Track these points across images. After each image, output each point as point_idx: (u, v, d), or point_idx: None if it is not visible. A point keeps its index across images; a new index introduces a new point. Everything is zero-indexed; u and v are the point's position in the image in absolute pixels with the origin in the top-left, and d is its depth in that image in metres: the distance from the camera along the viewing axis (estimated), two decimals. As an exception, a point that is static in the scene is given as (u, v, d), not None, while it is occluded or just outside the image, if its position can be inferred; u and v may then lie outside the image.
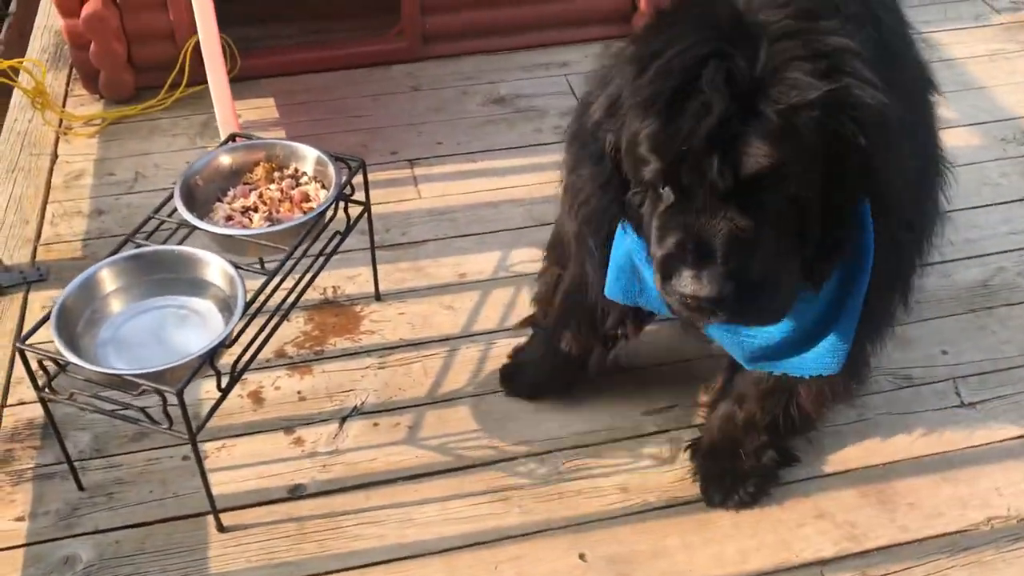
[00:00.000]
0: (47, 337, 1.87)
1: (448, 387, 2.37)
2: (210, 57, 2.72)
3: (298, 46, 3.55)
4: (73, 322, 1.95)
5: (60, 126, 3.20)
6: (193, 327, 2.00)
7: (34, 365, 1.88)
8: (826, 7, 1.47)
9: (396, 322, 2.54)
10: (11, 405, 2.31)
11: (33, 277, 2.63)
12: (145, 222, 2.15)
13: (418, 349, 2.47)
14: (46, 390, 1.90)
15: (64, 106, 3.31)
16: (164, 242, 2.14)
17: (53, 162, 3.08)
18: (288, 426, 2.28)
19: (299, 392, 2.36)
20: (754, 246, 1.43)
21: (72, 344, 1.88)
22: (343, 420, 2.29)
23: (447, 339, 2.50)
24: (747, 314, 1.53)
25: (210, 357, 1.85)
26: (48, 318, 1.91)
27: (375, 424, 2.29)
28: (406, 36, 3.51)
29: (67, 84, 3.43)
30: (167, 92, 3.30)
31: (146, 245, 2.10)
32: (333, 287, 2.62)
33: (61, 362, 1.85)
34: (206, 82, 2.98)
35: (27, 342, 1.87)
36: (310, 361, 2.44)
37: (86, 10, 3.10)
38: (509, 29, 3.57)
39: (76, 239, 2.78)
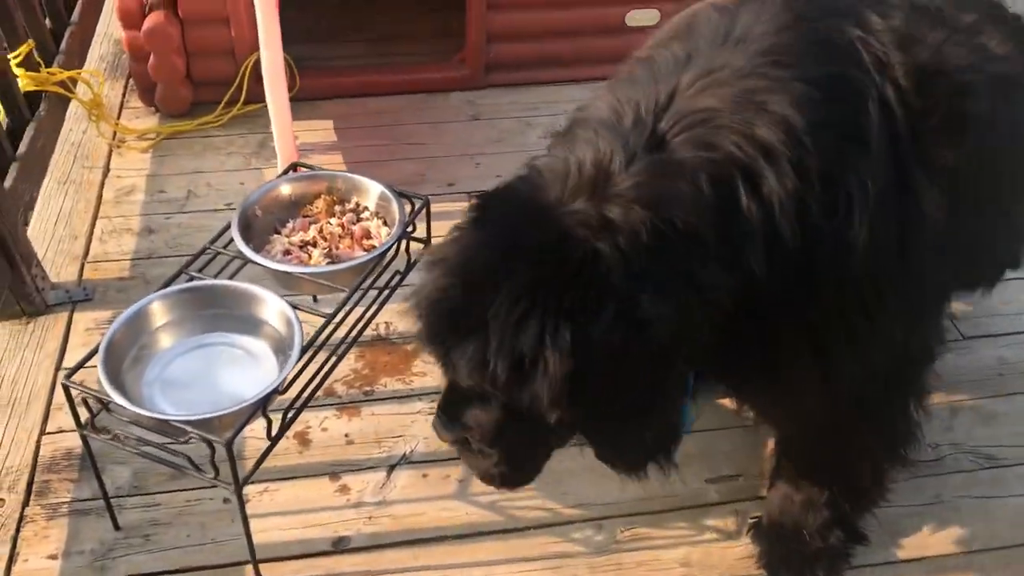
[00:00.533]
0: (92, 366, 1.79)
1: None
2: (272, 78, 2.64)
3: (358, 68, 3.48)
4: (120, 357, 1.86)
5: (114, 139, 3.14)
6: (245, 368, 1.91)
7: (77, 401, 1.80)
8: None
9: (449, 365, 2.43)
10: (51, 432, 2.23)
11: (79, 297, 2.56)
12: (200, 253, 2.06)
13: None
14: (88, 428, 1.81)
15: (119, 117, 3.25)
16: (218, 273, 2.06)
17: (105, 176, 3.01)
18: (334, 472, 2.18)
19: (347, 435, 2.26)
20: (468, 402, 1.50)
21: (118, 381, 1.79)
22: (391, 469, 2.19)
23: (502, 387, 2.39)
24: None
25: (263, 405, 1.75)
26: (95, 351, 1.82)
27: (424, 475, 2.18)
28: (469, 63, 3.42)
29: (123, 95, 3.38)
30: (224, 109, 3.24)
31: (199, 277, 2.01)
32: (385, 323, 2.52)
33: (105, 401, 1.76)
34: (264, 101, 2.91)
35: (71, 376, 1.79)
36: (359, 402, 2.34)
37: (148, 23, 3.04)
38: (574, 61, 3.47)
39: (124, 258, 2.71)
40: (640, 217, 1.33)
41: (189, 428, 1.69)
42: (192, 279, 2.02)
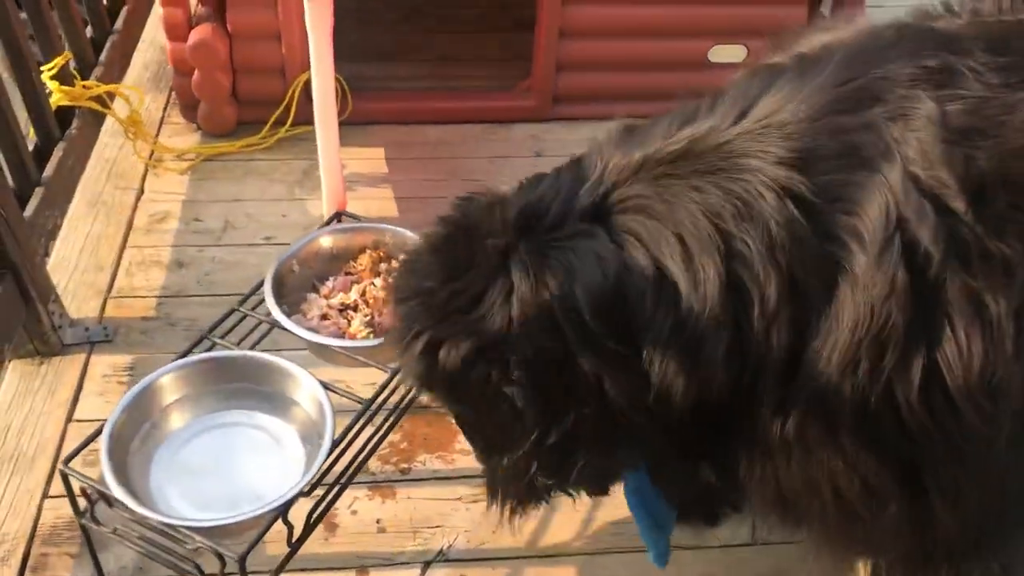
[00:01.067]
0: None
1: (552, 537, 2.00)
2: (323, 112, 2.40)
3: (415, 92, 3.24)
4: (128, 437, 1.63)
5: (151, 157, 2.93)
6: (268, 455, 1.67)
7: (76, 491, 1.57)
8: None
9: (497, 443, 2.17)
10: (54, 496, 2.01)
11: (98, 337, 2.35)
12: (227, 315, 1.83)
13: None
14: (87, 517, 1.59)
15: (159, 133, 3.04)
16: (244, 339, 1.82)
17: (139, 199, 2.80)
18: (362, 565, 1.93)
19: (379, 521, 2.01)
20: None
21: (123, 467, 1.57)
22: (426, 566, 1.94)
23: (555, 473, 2.13)
24: None
25: (284, 511, 1.51)
26: (99, 433, 1.59)
27: (463, 576, 1.93)
28: (534, 93, 3.16)
29: (165, 109, 3.17)
30: (270, 130, 3.01)
31: (223, 344, 1.78)
32: (429, 390, 2.27)
33: (107, 495, 1.53)
34: (312, 123, 2.68)
35: (70, 462, 1.56)
36: (395, 481, 2.09)
37: (194, 36, 2.82)
38: (650, 96, 3.17)
39: (151, 294, 2.49)
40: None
41: (198, 537, 1.45)
42: (214, 345, 1.79)
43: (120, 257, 2.60)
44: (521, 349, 1.19)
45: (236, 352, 1.75)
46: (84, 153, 2.61)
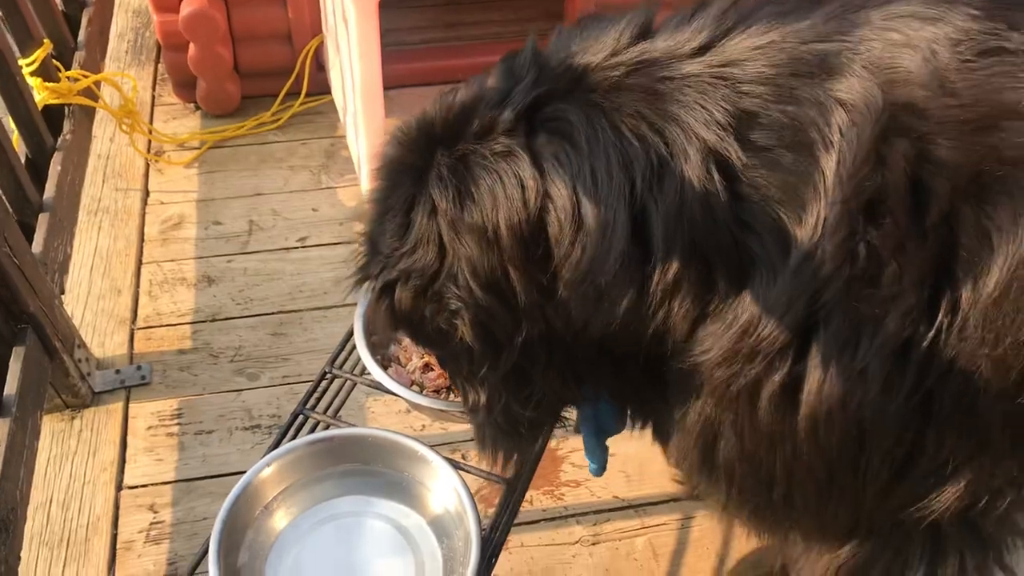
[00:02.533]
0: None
1: (687, 578, 1.81)
2: (369, 106, 2.07)
3: (446, 49, 2.86)
4: (233, 549, 1.37)
5: (149, 150, 2.57)
6: (396, 554, 1.42)
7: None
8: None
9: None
10: (120, 586, 1.75)
11: (133, 380, 2.05)
12: (320, 380, 1.55)
13: (640, 515, 1.89)
14: (198, 653, 1.34)
15: (152, 117, 2.67)
16: (328, 408, 1.55)
17: (145, 201, 2.46)
18: (486, 635, 1.72)
19: (494, 578, 1.79)
20: None
21: (235, 589, 1.31)
22: (559, 629, 1.74)
23: (675, 500, 1.92)
24: None
25: (446, 638, 1.27)
26: (205, 552, 1.33)
27: (602, 638, 1.73)
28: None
29: (153, 87, 2.79)
30: (280, 106, 2.66)
31: (311, 414, 1.50)
32: (520, 413, 2.02)
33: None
34: (327, 93, 2.36)
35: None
36: (503, 528, 1.87)
37: (187, 6, 2.44)
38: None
39: (182, 320, 2.18)
40: None
41: None
42: (305, 417, 1.52)
43: (138, 276, 2.28)
44: (456, 277, 1.12)
45: (351, 431, 1.47)
46: (81, 160, 2.24)
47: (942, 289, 0.97)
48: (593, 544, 1.85)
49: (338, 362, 1.58)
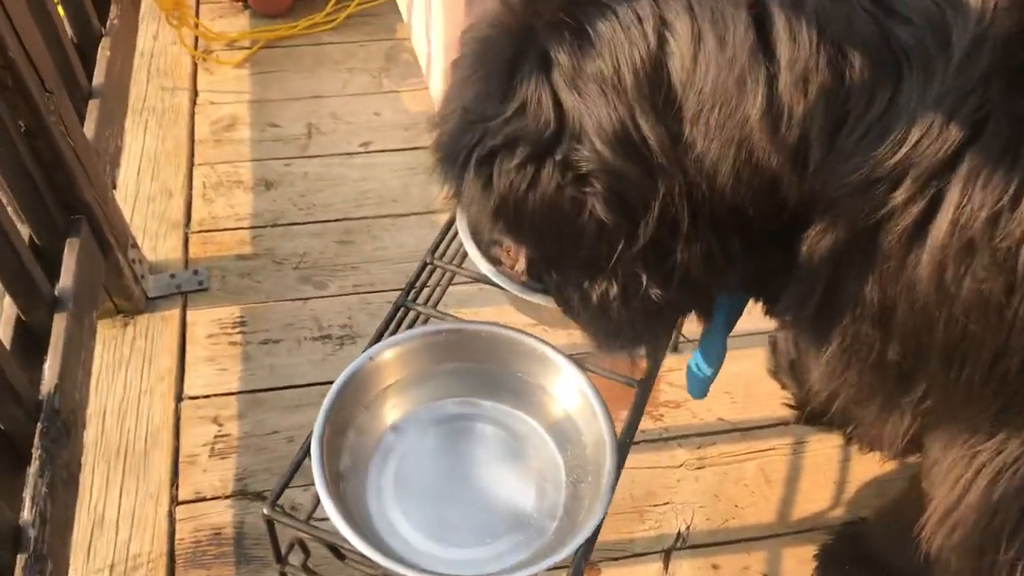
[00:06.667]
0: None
1: (804, 508, 1.65)
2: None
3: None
4: (335, 453, 1.21)
5: (196, 47, 2.38)
6: (514, 464, 1.26)
7: (283, 540, 1.16)
8: None
9: (707, 390, 1.79)
10: (187, 502, 1.59)
11: (191, 286, 1.88)
12: (421, 271, 1.38)
13: (747, 438, 1.74)
14: (297, 567, 1.18)
15: (197, 16, 2.48)
16: (427, 300, 1.38)
17: (193, 102, 2.27)
18: (591, 561, 1.57)
19: (592, 501, 1.64)
20: None
21: (338, 494, 1.15)
22: (666, 555, 1.58)
23: (784, 424, 1.76)
24: None
25: (579, 566, 1.11)
26: (301, 462, 1.16)
27: (715, 567, 1.57)
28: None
29: (198, -16, 2.59)
30: (336, 4, 2.46)
31: (412, 306, 1.34)
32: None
33: (339, 547, 1.12)
34: None
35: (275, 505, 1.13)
36: (598, 449, 1.71)
37: None
38: None
39: (240, 225, 2.01)
40: None
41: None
42: (407, 309, 1.35)
43: (191, 179, 2.10)
44: (579, 139, 0.95)
45: (460, 324, 1.30)
46: (129, 49, 2.06)
47: None
48: (699, 468, 1.69)
49: (438, 252, 1.41)
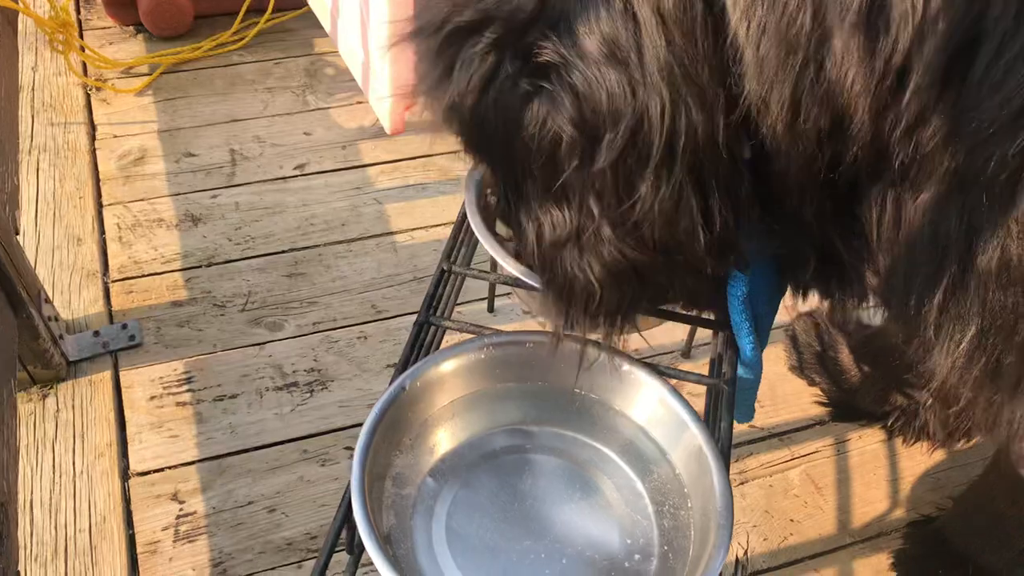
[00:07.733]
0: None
1: (864, 511, 1.48)
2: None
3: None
4: (376, 511, 0.95)
5: (85, 74, 2.08)
6: (587, 498, 1.03)
7: None
8: None
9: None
10: None
11: (120, 342, 1.58)
12: (440, 280, 1.14)
13: (786, 443, 1.56)
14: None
15: (82, 40, 2.17)
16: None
17: (92, 136, 1.97)
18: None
19: (633, 536, 1.42)
20: None
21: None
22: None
23: (821, 423, 1.60)
24: None
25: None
26: (344, 524, 0.91)
27: (780, 591, 1.38)
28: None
29: (78, 8, 2.28)
30: (243, 23, 2.21)
31: (437, 322, 1.10)
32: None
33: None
34: (299, 7, 1.96)
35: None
36: (627, 475, 1.50)
37: None
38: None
39: (169, 268, 1.72)
40: None
41: None
42: (430, 327, 1.11)
43: (101, 221, 1.79)
44: (560, 26, 0.78)
45: (497, 337, 1.07)
46: (12, 74, 1.74)
47: None
48: (742, 483, 1.50)
49: (454, 256, 1.18)
